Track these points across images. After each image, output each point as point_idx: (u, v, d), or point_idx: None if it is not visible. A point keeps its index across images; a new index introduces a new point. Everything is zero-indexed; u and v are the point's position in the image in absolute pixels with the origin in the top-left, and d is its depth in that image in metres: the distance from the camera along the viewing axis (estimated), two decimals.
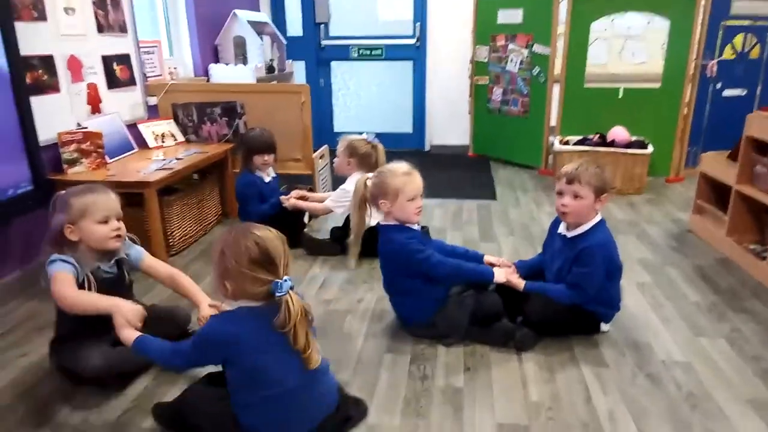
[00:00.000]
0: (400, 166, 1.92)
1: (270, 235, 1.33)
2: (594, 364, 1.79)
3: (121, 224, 1.68)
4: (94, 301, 1.57)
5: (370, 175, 1.97)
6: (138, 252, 1.80)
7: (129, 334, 1.48)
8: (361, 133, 2.79)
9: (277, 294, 1.27)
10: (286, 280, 1.29)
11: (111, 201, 1.67)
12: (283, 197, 2.84)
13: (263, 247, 1.29)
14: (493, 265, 1.98)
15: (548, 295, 1.88)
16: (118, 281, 1.73)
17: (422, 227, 2.00)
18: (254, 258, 1.28)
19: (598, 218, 1.91)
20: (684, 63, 3.79)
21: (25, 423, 1.56)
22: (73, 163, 2.51)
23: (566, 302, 1.86)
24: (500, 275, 1.91)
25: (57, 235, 1.62)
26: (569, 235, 1.93)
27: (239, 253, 1.29)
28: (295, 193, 2.91)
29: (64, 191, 1.68)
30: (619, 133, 3.79)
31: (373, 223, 2.64)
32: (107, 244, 1.65)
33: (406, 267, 1.88)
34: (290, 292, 1.29)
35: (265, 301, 1.32)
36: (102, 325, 1.59)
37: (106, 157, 2.68)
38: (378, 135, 2.84)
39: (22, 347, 1.92)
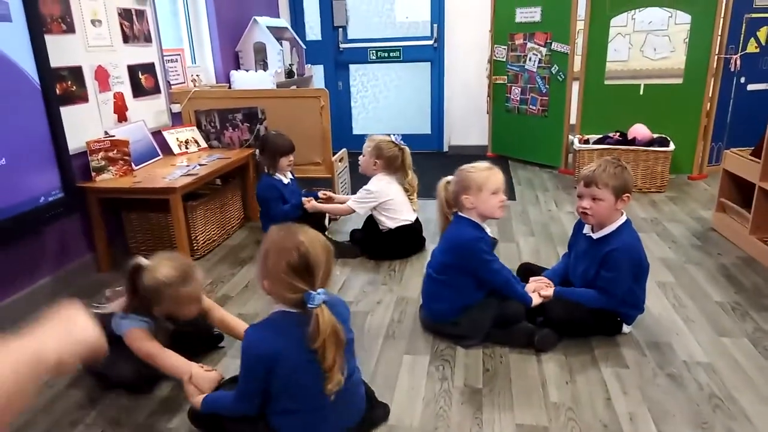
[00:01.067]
0: (481, 163, 1.95)
1: (315, 243, 1.30)
2: (614, 365, 1.79)
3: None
4: (174, 364, 1.63)
5: (450, 177, 1.98)
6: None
7: (197, 402, 1.50)
8: (388, 135, 2.80)
9: (309, 305, 1.26)
10: (319, 293, 1.26)
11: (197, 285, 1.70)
12: (304, 199, 2.89)
13: (303, 255, 1.27)
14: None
15: (579, 301, 1.89)
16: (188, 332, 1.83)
17: (493, 239, 2.02)
18: (292, 264, 1.27)
19: (623, 219, 1.90)
20: (707, 57, 3.73)
21: (58, 425, 1.62)
22: (101, 170, 2.60)
23: (594, 307, 1.87)
24: (536, 301, 1.93)
25: (142, 305, 1.68)
26: (595, 236, 1.93)
27: (280, 256, 1.28)
28: (321, 193, 2.96)
29: (164, 274, 1.64)
30: (640, 130, 3.75)
31: (392, 225, 2.69)
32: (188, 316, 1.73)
33: (466, 262, 1.89)
34: (323, 305, 1.27)
35: (299, 310, 1.30)
36: None
37: (133, 164, 2.75)
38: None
39: None
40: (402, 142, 2.76)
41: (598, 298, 1.87)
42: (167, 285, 1.62)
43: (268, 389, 1.36)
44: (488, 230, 1.98)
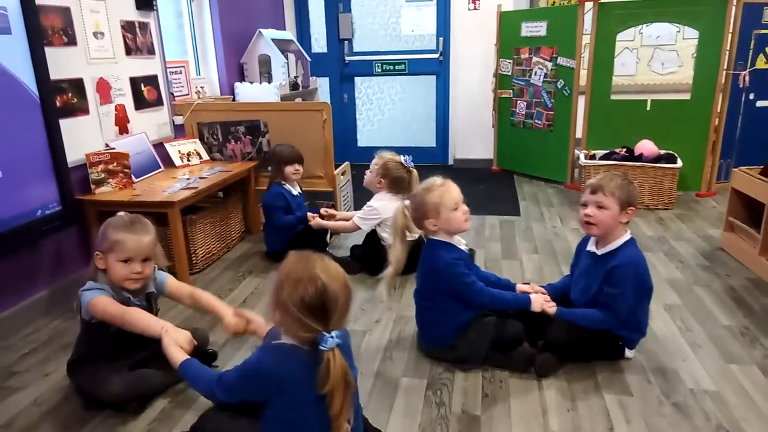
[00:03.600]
0: (431, 181, 1.90)
1: (334, 279, 1.20)
2: (618, 392, 1.74)
3: (145, 268, 1.67)
4: (146, 320, 1.60)
5: (407, 203, 1.93)
6: (163, 277, 1.82)
7: (177, 355, 1.48)
8: (399, 154, 2.73)
9: (321, 347, 1.17)
10: (333, 336, 1.17)
11: (141, 243, 1.64)
12: (309, 215, 2.86)
13: (321, 293, 1.17)
14: (526, 292, 1.95)
15: (579, 323, 1.83)
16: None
17: (469, 249, 1.95)
18: (308, 302, 1.17)
19: (628, 236, 1.86)
20: (715, 73, 3.68)
21: None
22: (100, 183, 2.58)
23: (597, 327, 1.81)
24: (537, 304, 1.87)
25: (93, 257, 1.67)
26: (599, 252, 1.88)
27: (295, 288, 1.18)
28: (323, 210, 2.93)
29: (116, 216, 1.69)
30: (647, 146, 3.70)
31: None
32: (124, 284, 1.66)
33: (447, 286, 1.85)
34: (335, 350, 1.18)
35: (310, 348, 1.22)
36: (121, 349, 1.62)
37: (133, 177, 2.74)
38: (402, 149, 2.82)
39: (46, 366, 1.97)
40: (411, 164, 2.70)
41: (600, 318, 1.81)
42: (110, 223, 1.65)
43: (266, 420, 1.31)
44: (462, 243, 1.93)
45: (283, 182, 2.88)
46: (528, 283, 2.04)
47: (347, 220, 2.84)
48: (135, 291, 1.70)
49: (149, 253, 1.67)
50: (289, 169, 2.86)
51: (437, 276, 1.87)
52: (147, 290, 1.75)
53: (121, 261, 1.63)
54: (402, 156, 2.70)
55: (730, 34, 3.61)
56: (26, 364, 1.99)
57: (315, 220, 2.83)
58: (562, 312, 1.88)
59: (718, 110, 3.75)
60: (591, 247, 1.93)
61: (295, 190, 2.93)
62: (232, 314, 1.71)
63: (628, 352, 1.89)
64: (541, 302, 1.88)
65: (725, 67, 3.67)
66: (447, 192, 1.85)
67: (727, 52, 3.65)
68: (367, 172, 2.77)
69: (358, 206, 3.00)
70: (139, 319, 1.61)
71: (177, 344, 1.54)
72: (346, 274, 1.26)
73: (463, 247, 1.93)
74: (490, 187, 4.29)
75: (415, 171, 2.70)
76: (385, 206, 2.66)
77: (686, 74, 4.83)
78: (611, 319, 1.80)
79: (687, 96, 3.85)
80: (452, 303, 1.86)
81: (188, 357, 1.50)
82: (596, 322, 1.82)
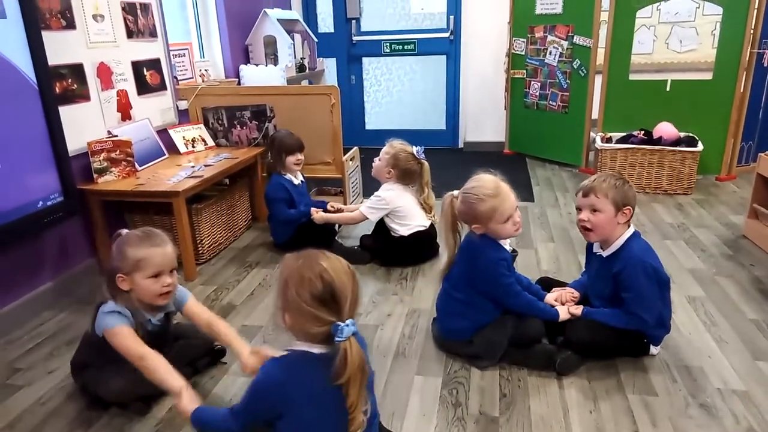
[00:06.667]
0: (486, 186, 1.74)
1: (339, 269, 1.18)
2: (642, 392, 1.66)
3: (173, 279, 1.61)
4: (165, 373, 1.50)
5: (456, 193, 1.82)
6: (183, 296, 1.74)
7: (190, 407, 1.42)
8: (401, 139, 2.63)
9: (337, 338, 1.13)
10: (348, 325, 1.14)
11: (166, 255, 1.58)
12: (312, 209, 2.77)
13: (328, 283, 1.15)
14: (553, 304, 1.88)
15: (610, 324, 1.74)
16: (163, 333, 1.69)
17: (513, 251, 1.86)
18: (317, 294, 1.15)
19: (630, 231, 1.77)
20: (738, 51, 3.53)
21: None
22: (103, 172, 2.51)
23: (628, 328, 1.73)
24: (564, 314, 1.81)
25: (112, 280, 1.59)
26: (604, 254, 1.80)
27: (301, 286, 1.15)
28: (330, 206, 2.83)
29: (125, 233, 1.61)
30: (666, 129, 3.57)
31: (405, 233, 2.57)
32: (156, 300, 1.59)
33: (485, 285, 1.78)
34: (352, 338, 1.14)
35: (324, 345, 1.18)
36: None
37: (136, 165, 2.66)
38: (411, 132, 2.72)
39: (51, 362, 1.92)
40: (423, 156, 2.59)
41: (627, 320, 1.73)
42: (124, 242, 1.56)
43: (276, 426, 1.25)
44: (507, 243, 1.85)
45: (284, 172, 2.79)
46: (560, 287, 1.97)
47: (353, 212, 2.75)
48: (155, 310, 1.63)
49: (175, 263, 1.61)
50: (290, 159, 2.77)
51: (477, 272, 1.78)
52: (167, 309, 1.68)
53: (150, 277, 1.56)
54: (414, 147, 2.60)
55: (755, 11, 3.44)
56: (30, 361, 1.94)
57: (318, 215, 2.72)
58: (590, 312, 1.80)
59: (741, 90, 3.61)
60: (597, 249, 1.85)
61: (297, 179, 2.84)
62: (249, 353, 1.60)
63: (653, 349, 1.82)
64: (566, 313, 1.81)
65: (749, 46, 3.52)
66: (501, 203, 1.72)
67: (752, 31, 3.49)
68: (376, 159, 2.67)
69: (367, 193, 2.91)
70: (158, 369, 1.51)
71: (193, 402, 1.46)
72: (349, 264, 1.22)
73: (507, 247, 1.84)
74: (501, 171, 4.08)
75: (426, 164, 2.60)
76: (393, 197, 2.57)
77: (705, 52, 4.66)
78: (639, 322, 1.71)
79: (708, 75, 3.70)
80: (484, 300, 1.79)
81: (196, 406, 1.43)
82: (624, 324, 1.73)
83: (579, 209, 1.78)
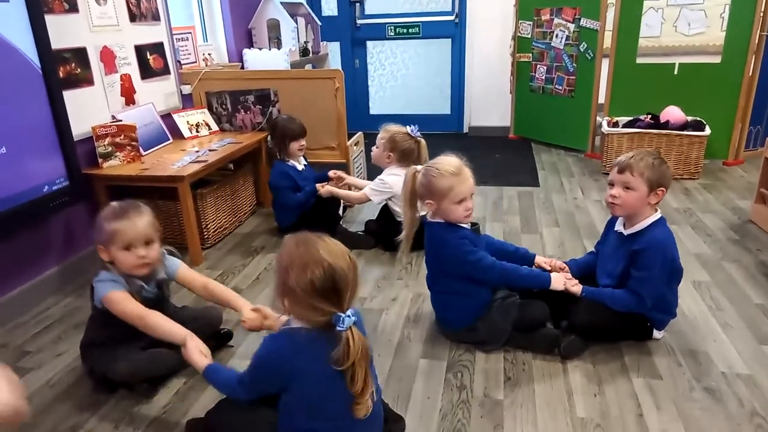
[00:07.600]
0: (449, 164, 1.75)
1: (340, 259, 1.17)
2: (647, 376, 1.67)
3: (149, 251, 1.60)
4: (168, 326, 1.55)
5: (419, 167, 1.82)
6: (174, 264, 1.75)
7: (202, 361, 1.45)
8: (404, 124, 2.61)
9: (338, 328, 1.14)
10: (348, 315, 1.15)
11: (137, 227, 1.57)
12: (318, 185, 2.76)
13: (329, 275, 1.15)
14: (544, 269, 1.85)
15: (606, 303, 1.74)
16: (159, 301, 1.70)
17: (472, 224, 1.86)
18: (318, 286, 1.15)
19: (657, 215, 1.75)
20: (747, 34, 3.48)
21: (59, 428, 1.56)
22: (107, 156, 2.51)
23: (624, 310, 1.73)
24: (558, 282, 1.77)
25: (98, 251, 1.61)
26: (626, 232, 1.78)
27: (302, 273, 1.15)
28: (332, 173, 2.82)
29: (108, 206, 1.63)
30: (673, 113, 3.53)
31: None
32: (134, 271, 1.60)
33: (455, 267, 1.77)
34: (352, 327, 1.15)
35: (325, 330, 1.18)
36: (134, 331, 1.58)
37: (141, 150, 2.66)
38: (415, 117, 2.70)
39: (59, 345, 1.94)
40: (419, 134, 2.58)
41: (627, 300, 1.73)
42: (102, 215, 1.59)
43: (284, 405, 1.27)
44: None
45: (287, 158, 2.78)
46: (550, 257, 1.95)
47: (360, 188, 2.75)
48: (146, 277, 1.64)
49: (149, 235, 1.60)
50: (294, 145, 2.76)
51: (443, 258, 1.79)
52: (158, 276, 1.69)
53: (123, 249, 1.57)
54: (408, 126, 2.59)
55: None
56: (38, 344, 1.96)
57: (324, 188, 2.71)
58: (589, 291, 1.79)
59: (749, 74, 3.56)
60: (618, 227, 1.83)
61: (300, 165, 2.83)
62: (249, 308, 1.63)
63: (657, 333, 1.82)
64: (563, 281, 1.79)
65: (759, 29, 3.47)
66: (459, 183, 1.72)
67: (762, 14, 3.43)
68: (374, 147, 2.67)
69: (371, 178, 2.90)
70: (160, 324, 1.55)
71: (200, 351, 1.49)
72: (348, 250, 1.22)
73: (465, 225, 1.82)
74: (506, 156, 4.16)
75: (423, 141, 2.59)
76: (396, 181, 2.56)
77: (713, 35, 4.58)
78: (639, 302, 1.71)
79: (716, 59, 3.66)
80: (464, 284, 1.78)
81: (211, 362, 1.46)
82: (624, 304, 1.73)
83: (611, 184, 1.76)
